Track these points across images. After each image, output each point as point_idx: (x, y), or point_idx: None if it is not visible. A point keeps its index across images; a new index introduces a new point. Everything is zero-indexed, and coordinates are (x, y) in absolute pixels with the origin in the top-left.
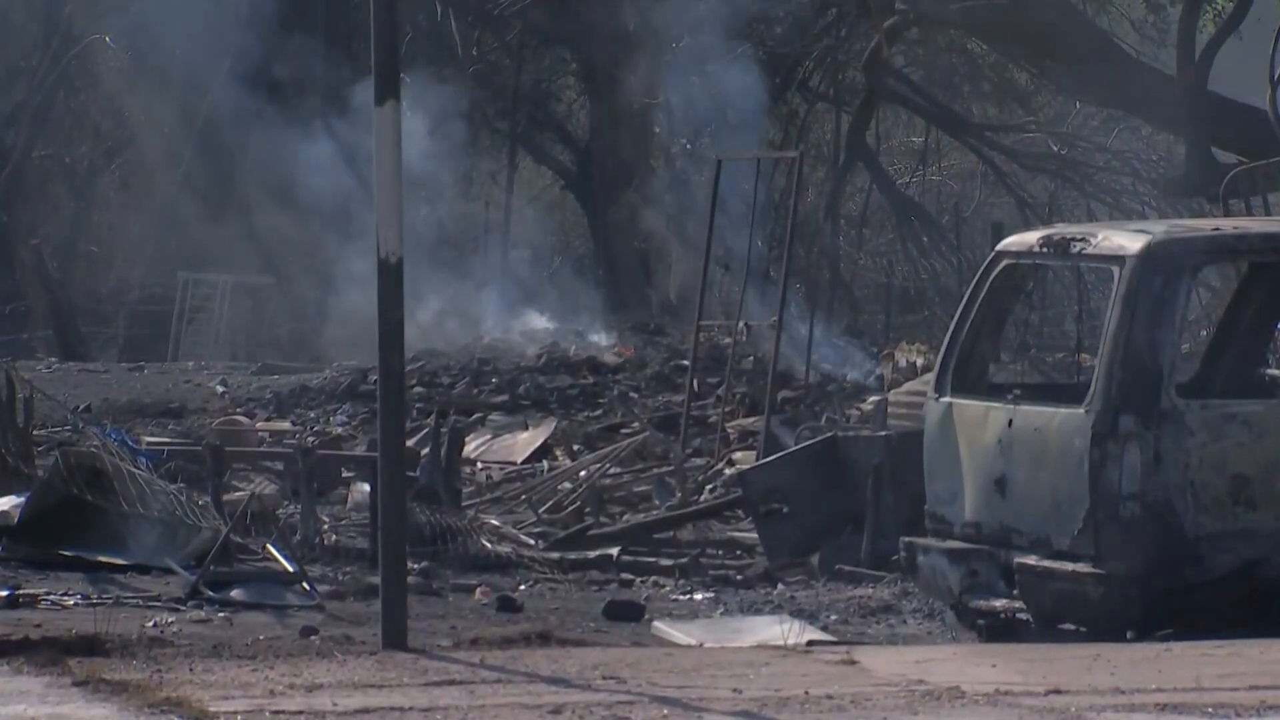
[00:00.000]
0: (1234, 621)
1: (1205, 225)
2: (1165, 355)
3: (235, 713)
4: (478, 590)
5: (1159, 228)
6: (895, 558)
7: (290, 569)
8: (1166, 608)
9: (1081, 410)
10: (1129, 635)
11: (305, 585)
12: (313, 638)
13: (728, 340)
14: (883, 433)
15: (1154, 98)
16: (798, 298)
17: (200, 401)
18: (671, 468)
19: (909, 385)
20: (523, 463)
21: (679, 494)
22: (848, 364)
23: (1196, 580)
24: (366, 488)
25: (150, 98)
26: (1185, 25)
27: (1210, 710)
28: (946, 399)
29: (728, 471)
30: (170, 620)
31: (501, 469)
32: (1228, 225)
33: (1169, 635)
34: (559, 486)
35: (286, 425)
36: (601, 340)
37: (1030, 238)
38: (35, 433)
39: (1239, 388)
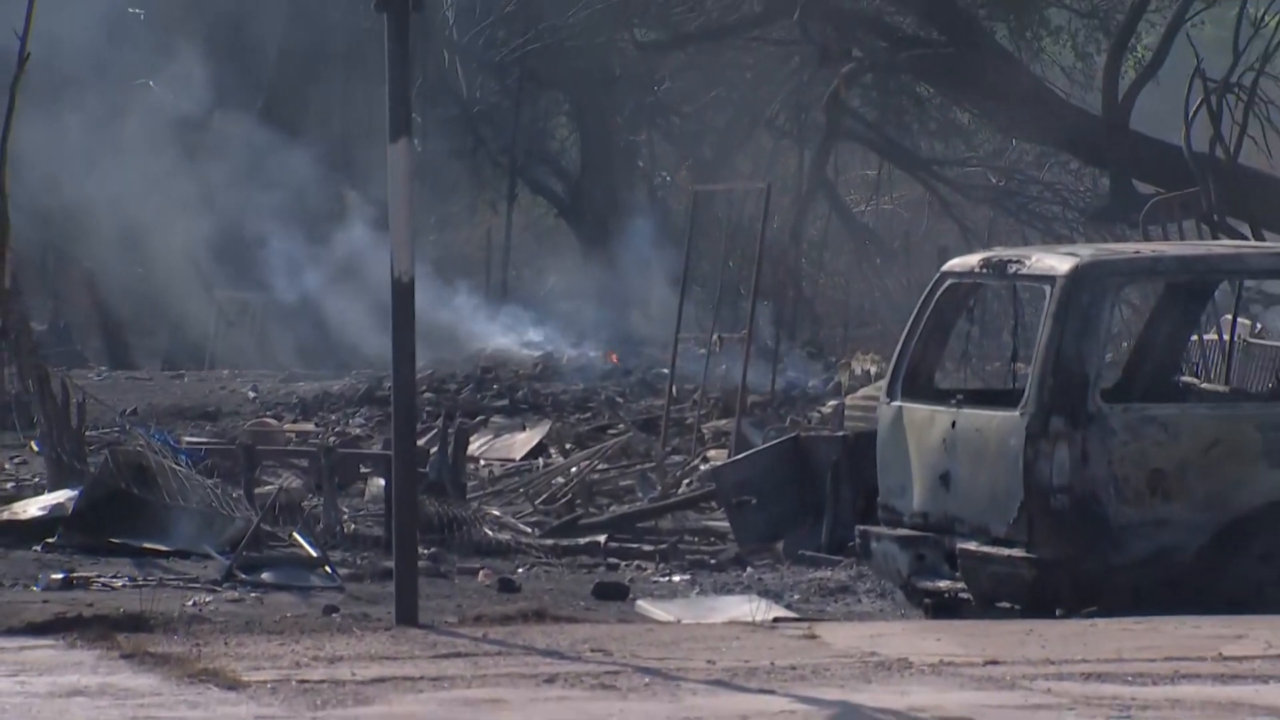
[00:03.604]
0: (1151, 600)
1: (1127, 249)
2: (1091, 364)
3: (265, 682)
4: (481, 573)
5: (1086, 251)
6: (851, 544)
7: (314, 554)
8: (1092, 588)
9: (1017, 413)
10: (1058, 613)
11: (327, 568)
12: (334, 615)
13: (702, 350)
14: (840, 433)
15: (1082, 135)
16: (766, 312)
17: (234, 405)
18: (653, 464)
19: (864, 391)
20: (521, 460)
21: (660, 487)
22: (809, 373)
23: (1118, 564)
24: (382, 482)
25: (183, 132)
26: (1109, 71)
27: (1130, 679)
28: (897, 403)
29: (703, 467)
30: (208, 600)
31: (502, 465)
32: (1147, 249)
33: (1094, 613)
34: (553, 481)
35: (311, 426)
36: (591, 351)
37: (971, 260)
38: (87, 433)
39: (1157, 393)
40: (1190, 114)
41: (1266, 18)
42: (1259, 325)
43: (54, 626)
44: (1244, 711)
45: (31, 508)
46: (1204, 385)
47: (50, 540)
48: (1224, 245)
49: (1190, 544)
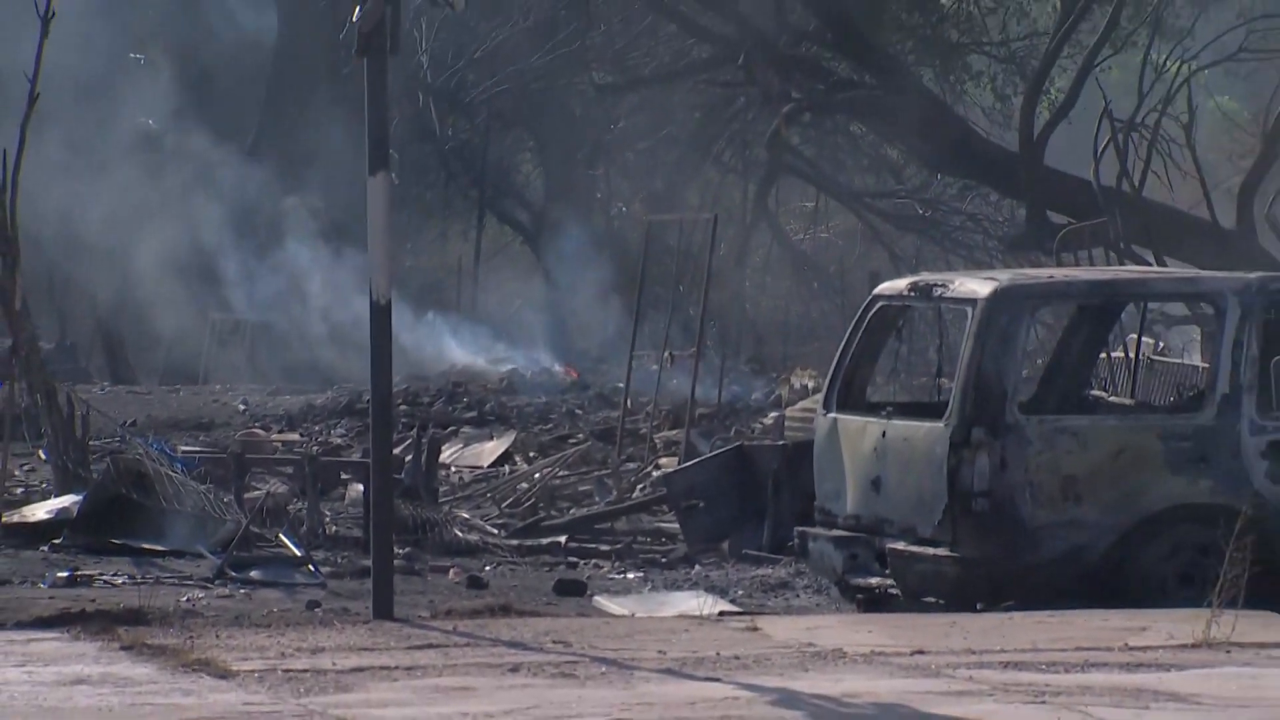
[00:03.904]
0: (1064, 595)
1: (1042, 274)
2: (1009, 379)
3: (253, 671)
4: (451, 571)
5: (1004, 276)
6: (791, 544)
7: (298, 554)
8: (1010, 584)
9: (941, 424)
10: (979, 606)
11: (311, 567)
12: (316, 610)
13: (655, 367)
14: (780, 442)
15: (1000, 170)
16: (713, 332)
17: (225, 417)
18: (609, 471)
19: (802, 403)
20: (488, 467)
21: (615, 492)
22: (752, 387)
23: (1034, 562)
24: (361, 487)
25: (177, 166)
26: (1025, 112)
27: (1044, 667)
28: (832, 414)
29: (655, 474)
30: (201, 596)
31: (471, 472)
32: (1060, 274)
33: (1011, 607)
34: (518, 486)
35: (296, 437)
36: (553, 367)
37: (900, 284)
38: (90, 443)
39: (1069, 406)
40: (1099, 151)
41: (1168, 64)
42: (1161, 344)
43: (59, 620)
44: (1148, 697)
45: (39, 511)
46: (1111, 399)
47: (56, 541)
48: (1130, 271)
49: (1099, 544)
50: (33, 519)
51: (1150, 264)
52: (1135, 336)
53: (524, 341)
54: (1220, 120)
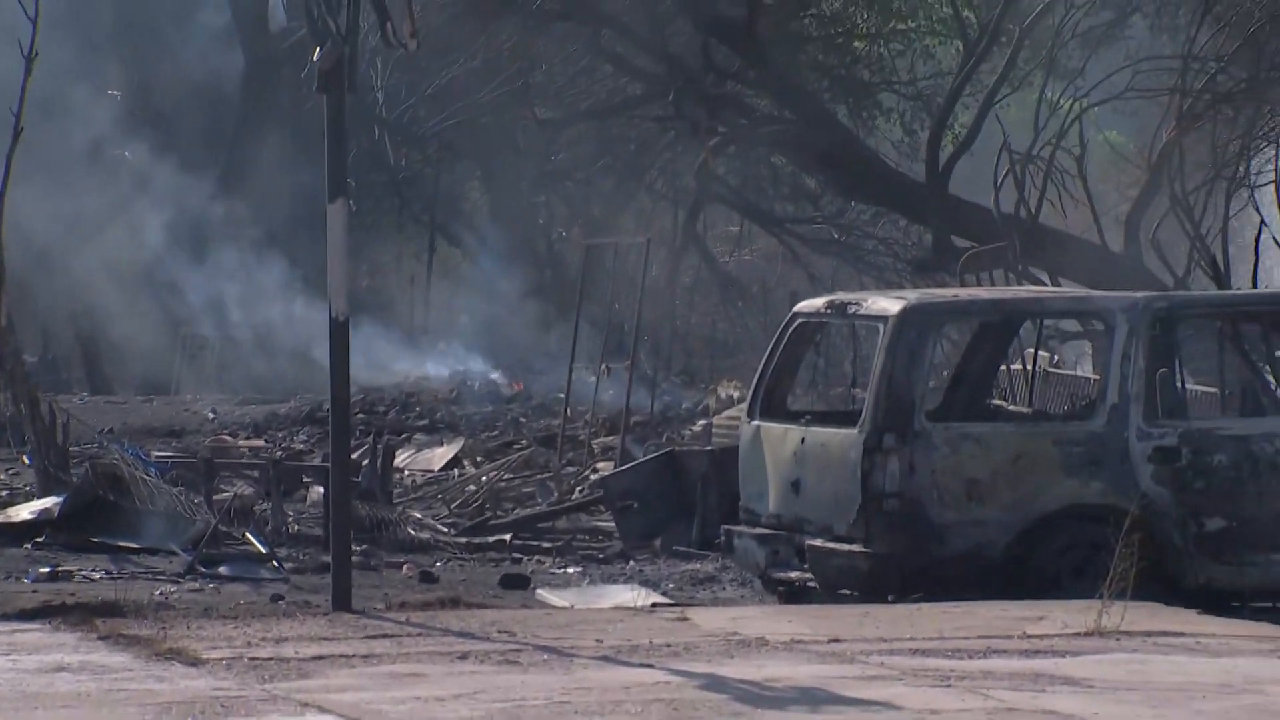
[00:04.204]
0: (968, 588)
1: (947, 293)
2: (917, 390)
3: (221, 659)
4: (404, 566)
5: (913, 295)
6: (718, 541)
7: (264, 551)
8: (918, 578)
9: (856, 431)
10: (890, 598)
11: (275, 563)
12: (280, 603)
13: (592, 378)
14: (708, 448)
15: (909, 198)
16: (646, 346)
17: (196, 425)
18: (551, 474)
19: (728, 412)
20: (439, 470)
21: (556, 494)
22: (682, 397)
23: (940, 557)
24: (321, 489)
25: (152, 194)
26: (931, 145)
27: (950, 653)
28: (756, 422)
29: (593, 477)
30: (173, 590)
31: (423, 475)
32: (964, 294)
33: (920, 598)
34: (466, 488)
35: (261, 443)
36: (499, 378)
37: (818, 302)
38: (71, 449)
39: (972, 414)
40: (999, 180)
41: (1061, 101)
42: (1056, 357)
43: (41, 613)
44: (1044, 681)
45: (23, 512)
46: (1011, 407)
47: (39, 539)
48: (1027, 291)
49: (1000, 541)
50: (17, 519)
51: (1046, 284)
52: (1032, 350)
53: (466, 353)
54: (1109, 153)
